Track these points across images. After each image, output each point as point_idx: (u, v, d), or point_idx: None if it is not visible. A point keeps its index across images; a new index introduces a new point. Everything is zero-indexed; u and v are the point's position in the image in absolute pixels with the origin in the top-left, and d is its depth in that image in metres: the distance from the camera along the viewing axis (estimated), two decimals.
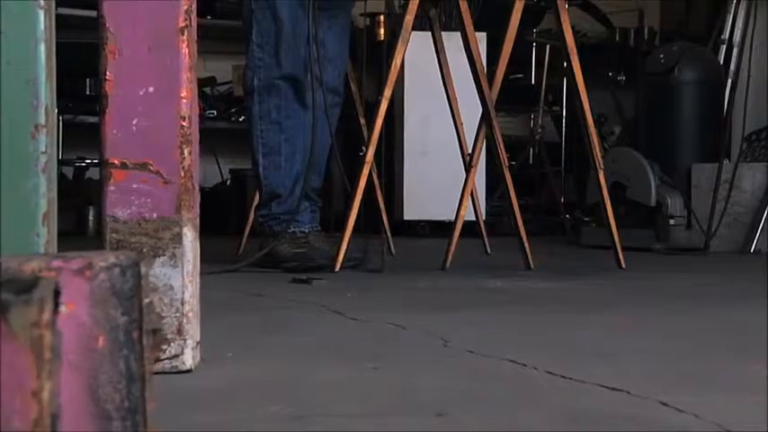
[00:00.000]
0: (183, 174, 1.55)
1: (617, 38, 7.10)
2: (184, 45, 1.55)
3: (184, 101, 1.55)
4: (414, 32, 4.99)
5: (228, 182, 6.52)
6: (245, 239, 4.39)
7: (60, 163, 5.85)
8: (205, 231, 5.69)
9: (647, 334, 2.11)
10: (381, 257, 3.52)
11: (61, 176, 5.88)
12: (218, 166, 6.60)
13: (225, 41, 6.38)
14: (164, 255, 1.55)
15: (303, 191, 3.53)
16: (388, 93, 3.58)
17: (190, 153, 1.56)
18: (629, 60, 6.80)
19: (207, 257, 3.95)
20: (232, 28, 6.00)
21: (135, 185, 1.54)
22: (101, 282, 0.95)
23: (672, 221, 4.83)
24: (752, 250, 4.71)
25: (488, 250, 4.40)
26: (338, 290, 2.94)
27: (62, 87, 5.49)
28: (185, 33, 1.55)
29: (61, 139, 5.82)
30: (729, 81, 5.32)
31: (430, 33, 4.31)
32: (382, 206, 4.52)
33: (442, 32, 4.37)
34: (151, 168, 1.54)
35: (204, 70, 6.74)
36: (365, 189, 3.51)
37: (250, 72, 3.58)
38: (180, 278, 1.55)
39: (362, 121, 4.60)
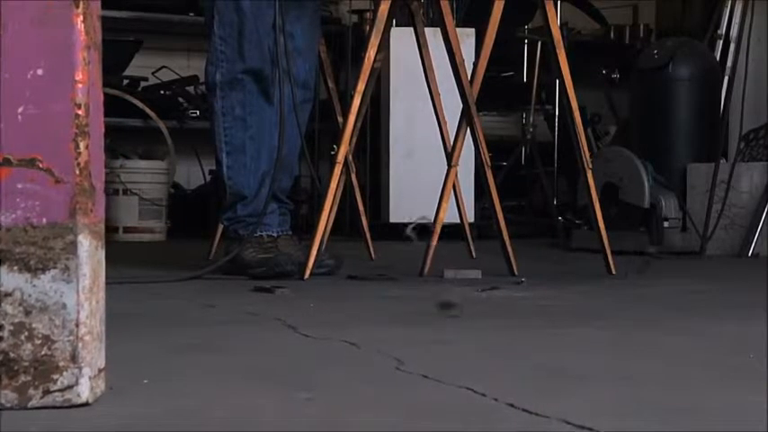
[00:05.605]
0: (78, 172, 1.32)
1: (611, 35, 6.89)
2: (79, 19, 1.32)
3: (80, 85, 1.32)
4: (402, 29, 4.79)
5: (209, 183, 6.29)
6: (216, 243, 4.17)
7: None
8: (189, 234, 5.40)
9: (628, 353, 1.88)
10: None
11: None
12: (201, 168, 6.37)
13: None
14: (55, 267, 1.31)
15: (271, 191, 3.30)
16: (361, 87, 3.37)
17: (87, 147, 1.33)
18: (623, 58, 6.58)
19: (179, 261, 3.77)
20: None
21: (20, 185, 1.31)
22: None
23: (666, 224, 4.67)
24: (750, 254, 4.54)
25: (473, 255, 4.18)
26: (301, 300, 2.72)
27: None
28: (80, 5, 1.32)
29: None
30: (726, 77, 5.13)
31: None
32: (361, 208, 4.33)
33: (430, 28, 4.16)
34: (40, 165, 1.31)
35: (187, 68, 6.53)
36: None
37: (212, 66, 3.38)
38: (74, 295, 1.31)
39: (340, 119, 4.39)
